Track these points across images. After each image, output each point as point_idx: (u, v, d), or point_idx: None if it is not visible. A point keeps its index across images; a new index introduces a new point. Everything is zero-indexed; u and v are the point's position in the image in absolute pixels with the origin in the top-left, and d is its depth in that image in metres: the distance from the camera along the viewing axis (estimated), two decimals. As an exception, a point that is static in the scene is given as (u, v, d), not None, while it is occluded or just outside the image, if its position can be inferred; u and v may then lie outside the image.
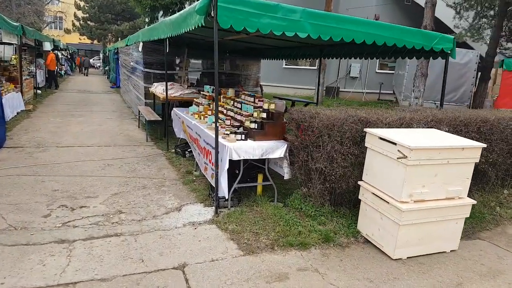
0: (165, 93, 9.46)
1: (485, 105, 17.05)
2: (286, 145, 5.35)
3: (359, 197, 4.70)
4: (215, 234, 4.61)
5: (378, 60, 22.67)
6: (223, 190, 5.12)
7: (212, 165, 5.53)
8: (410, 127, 5.04)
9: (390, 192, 4.23)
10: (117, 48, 22.37)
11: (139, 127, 11.46)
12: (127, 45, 14.09)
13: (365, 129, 4.60)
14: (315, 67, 23.20)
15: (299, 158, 5.03)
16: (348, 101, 20.64)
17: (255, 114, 5.74)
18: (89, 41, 49.66)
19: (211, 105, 7.34)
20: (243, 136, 5.43)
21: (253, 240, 4.46)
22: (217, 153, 5.05)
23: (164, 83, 10.70)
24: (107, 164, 7.44)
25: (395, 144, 4.11)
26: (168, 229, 4.72)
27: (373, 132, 4.43)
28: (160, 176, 6.81)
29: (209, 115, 6.80)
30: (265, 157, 5.28)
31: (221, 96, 7.54)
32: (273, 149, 5.30)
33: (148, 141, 9.63)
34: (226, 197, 5.18)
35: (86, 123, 11.79)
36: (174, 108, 8.36)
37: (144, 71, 11.85)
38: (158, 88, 10.44)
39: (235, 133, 5.41)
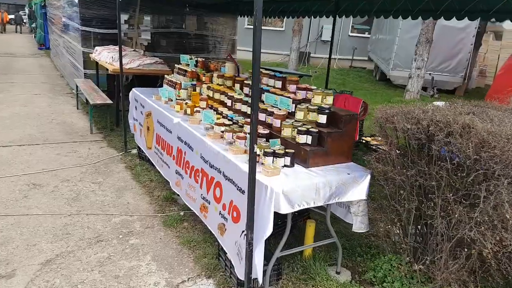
0: (116, 62, 6.54)
1: (472, 76, 15.69)
2: (367, 175, 2.96)
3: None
4: None
5: (351, 21, 20.51)
6: (256, 268, 2.68)
7: (227, 212, 3.03)
8: None
9: None
10: (44, 0, 18.11)
11: (78, 108, 8.40)
12: (55, -6, 10.54)
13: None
14: (283, 28, 20.56)
15: (404, 205, 2.67)
16: (321, 69, 18.44)
17: (299, 116, 3.24)
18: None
19: (201, 89, 4.67)
20: (288, 159, 2.95)
21: None
22: (251, 204, 2.54)
23: (111, 47, 7.72)
24: (32, 184, 4.61)
25: None
26: None
27: None
28: (123, 209, 4.16)
29: (202, 108, 4.16)
30: (334, 201, 2.87)
31: (206, 74, 4.90)
32: (347, 184, 2.89)
33: (94, 132, 6.74)
34: (260, 281, 2.74)
35: (4, 102, 8.48)
36: (133, 89, 5.55)
37: (81, 30, 8.64)
38: (103, 55, 7.42)
39: (274, 154, 2.91)
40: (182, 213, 4.04)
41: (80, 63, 9.03)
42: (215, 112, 4.00)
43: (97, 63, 7.87)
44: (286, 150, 2.97)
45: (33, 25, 27.42)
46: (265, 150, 2.91)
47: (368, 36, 20.62)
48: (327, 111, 3.07)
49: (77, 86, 8.13)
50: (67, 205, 4.19)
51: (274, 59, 19.50)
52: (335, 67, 19.90)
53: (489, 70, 17.98)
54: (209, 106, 4.19)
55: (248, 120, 3.40)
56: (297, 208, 2.63)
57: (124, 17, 9.71)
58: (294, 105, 3.39)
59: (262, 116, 3.55)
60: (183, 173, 3.88)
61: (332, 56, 21.29)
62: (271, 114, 3.44)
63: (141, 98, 5.15)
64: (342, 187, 2.83)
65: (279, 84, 3.81)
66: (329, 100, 3.28)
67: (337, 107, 3.32)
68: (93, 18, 8.79)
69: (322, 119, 3.08)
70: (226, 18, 10.16)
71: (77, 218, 3.94)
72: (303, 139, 3.02)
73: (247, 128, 3.37)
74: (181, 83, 4.89)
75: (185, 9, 10.04)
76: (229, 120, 3.76)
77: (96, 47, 8.09)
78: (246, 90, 4.06)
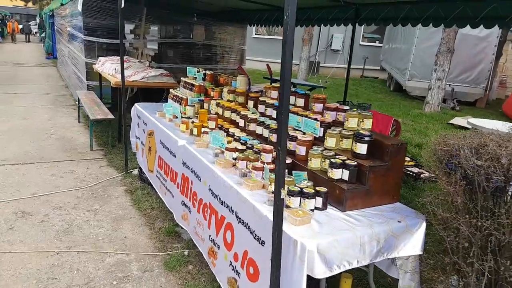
0: (119, 75, 6.04)
1: (493, 87, 14.99)
2: (422, 223, 2.36)
3: None
4: None
5: (362, 29, 19.98)
6: None
7: (239, 265, 2.45)
8: None
9: None
10: (53, 10, 17.89)
11: (79, 122, 7.92)
12: (62, 4, 10.17)
13: None
14: (293, 38, 20.04)
15: (473, 265, 2.06)
16: (332, 78, 17.91)
17: (330, 143, 2.66)
18: (23, 3, 42.74)
19: (210, 105, 4.12)
20: (320, 200, 2.36)
21: None
22: (277, 268, 1.94)
23: (115, 58, 7.24)
24: (21, 212, 4.08)
25: None
26: None
27: None
28: (119, 245, 3.60)
29: (211, 128, 3.59)
30: (382, 258, 2.26)
31: (214, 89, 4.37)
32: (399, 236, 2.29)
33: (95, 149, 6.22)
34: None
35: (4, 114, 8.04)
36: (136, 105, 5.02)
37: (85, 40, 8.21)
38: (106, 66, 6.95)
39: (302, 194, 2.32)
40: (186, 253, 3.46)
41: (83, 74, 8.58)
42: (225, 133, 3.45)
43: (100, 74, 7.39)
44: (317, 189, 2.38)
45: (43, 35, 27.35)
46: (291, 188, 2.33)
47: (380, 45, 20.03)
48: (367, 138, 2.49)
49: (78, 99, 7.65)
50: (57, 239, 3.64)
51: (277, 68, 18.97)
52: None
53: (508, 80, 17.26)
54: (219, 126, 3.63)
55: (267, 147, 2.82)
56: (336, 271, 2.04)
57: (130, 27, 9.29)
58: (322, 128, 2.82)
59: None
60: (190, 206, 3.31)
61: (343, 66, 20.88)
62: (293, 139, 2.86)
63: (144, 115, 4.62)
64: (392, 239, 2.23)
65: (301, 102, 3.24)
66: (367, 124, 2.69)
67: (378, 133, 2.73)
68: (98, 27, 8.38)
69: (362, 148, 2.49)
70: (235, 27, 9.66)
71: (66, 257, 3.38)
72: (337, 173, 2.44)
73: (265, 157, 2.79)
74: (187, 99, 4.34)
75: (193, 18, 9.60)
76: (242, 144, 3.19)
77: (100, 58, 7.62)
78: (261, 108, 3.50)
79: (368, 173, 2.42)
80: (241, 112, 3.49)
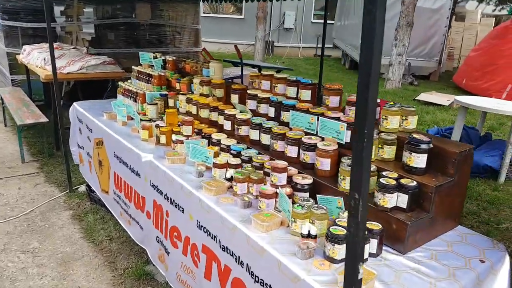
0: (48, 66, 4.86)
1: (443, 59, 15.10)
2: (505, 256, 1.70)
3: None
4: None
5: (313, 7, 19.46)
6: None
7: None
8: None
9: None
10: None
11: (6, 126, 6.55)
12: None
13: None
14: (242, 16, 19.06)
15: None
16: (288, 58, 17.31)
17: (383, 153, 1.91)
18: None
19: (178, 102, 3.21)
20: (375, 244, 1.61)
21: None
22: None
23: (43, 46, 5.97)
24: None
25: None
26: None
27: None
28: (71, 302, 2.65)
29: (186, 136, 2.69)
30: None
31: (181, 80, 3.50)
32: (483, 281, 1.61)
33: (27, 161, 5.03)
34: None
35: None
36: (75, 104, 3.95)
37: (3, 26, 6.80)
38: (33, 56, 5.69)
39: (330, 239, 1.56)
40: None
41: (5, 67, 7.14)
42: (207, 141, 2.58)
43: (27, 67, 6.08)
44: (368, 226, 1.63)
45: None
46: (333, 231, 1.56)
47: (332, 22, 19.62)
48: (426, 146, 1.75)
49: (1, 98, 6.29)
50: (-22, 301, 2.62)
51: (235, 50, 17.99)
52: (300, 56, 18.82)
53: (455, 52, 17.61)
54: (196, 131, 2.75)
55: (280, 164, 2.00)
56: None
57: (60, 8, 7.90)
58: (348, 132, 2.05)
59: (292, 150, 2.18)
60: (168, 245, 2.44)
61: (297, 45, 20.33)
62: (310, 148, 2.08)
63: (87, 118, 3.59)
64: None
65: (307, 95, 2.44)
66: (412, 122, 1.97)
67: (433, 135, 2.01)
68: (20, 9, 6.98)
69: (420, 160, 1.76)
70: (186, 4, 8.56)
71: (-7, 330, 2.40)
72: (391, 200, 1.70)
73: (277, 178, 1.97)
74: (144, 94, 3.39)
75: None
76: (234, 155, 2.36)
77: (24, 46, 6.28)
78: (252, 104, 2.66)
79: (434, 196, 1.70)
80: (226, 111, 2.63)
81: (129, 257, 3.09)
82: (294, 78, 2.52)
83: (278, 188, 1.93)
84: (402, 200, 1.71)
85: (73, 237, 3.38)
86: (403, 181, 1.73)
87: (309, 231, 1.65)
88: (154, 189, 2.52)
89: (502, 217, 3.87)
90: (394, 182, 1.71)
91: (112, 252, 3.17)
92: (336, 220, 1.67)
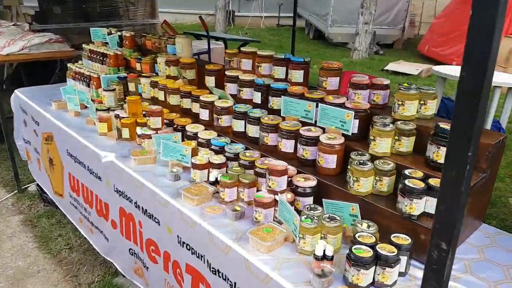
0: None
1: (406, 26, 15.07)
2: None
3: None
4: None
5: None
6: None
7: None
8: None
9: None
10: None
11: None
12: None
13: None
14: (199, -16, 18.01)
15: None
16: (250, 29, 16.68)
17: (383, 147, 1.58)
18: None
19: (140, 87, 2.74)
20: (404, 262, 1.31)
21: None
22: None
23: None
24: None
25: None
26: None
27: None
28: (27, 332, 2.23)
29: (154, 129, 2.25)
30: None
31: (142, 59, 3.03)
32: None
33: (-35, 156, 4.37)
34: None
35: None
36: (16, 92, 3.35)
37: None
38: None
39: (379, 261, 1.24)
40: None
41: None
42: (180, 134, 2.16)
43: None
44: (393, 240, 1.32)
45: None
46: (356, 252, 1.24)
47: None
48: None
49: None
50: None
51: (192, 21, 17.05)
52: (262, 26, 18.22)
53: (416, 19, 17.65)
54: (166, 122, 2.31)
55: (279, 164, 1.63)
56: None
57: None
58: (357, 121, 1.71)
59: (287, 144, 1.82)
60: (146, 260, 2.05)
61: (259, 14, 19.68)
62: (311, 142, 1.73)
63: (32, 108, 3.03)
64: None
65: (299, 75, 2.06)
66: (431, 107, 1.66)
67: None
68: None
69: (451, 156, 1.45)
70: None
71: None
72: (419, 206, 1.39)
73: (275, 183, 1.61)
74: (99, 77, 2.87)
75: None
76: (217, 153, 1.97)
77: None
78: (232, 88, 2.25)
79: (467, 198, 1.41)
80: (202, 98, 2.21)
81: (94, 268, 2.68)
82: (283, 56, 2.12)
83: (277, 194, 1.57)
84: (431, 204, 1.41)
85: (26, 248, 2.91)
86: (431, 181, 1.42)
87: (323, 251, 1.32)
88: (120, 195, 2.09)
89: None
90: (422, 184, 1.40)
91: (73, 263, 2.73)
92: (356, 236, 1.35)
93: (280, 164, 1.61)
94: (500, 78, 4.21)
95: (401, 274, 1.34)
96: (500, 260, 1.48)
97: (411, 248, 1.33)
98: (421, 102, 1.66)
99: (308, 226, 1.40)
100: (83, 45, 3.23)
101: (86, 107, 2.79)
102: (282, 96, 1.92)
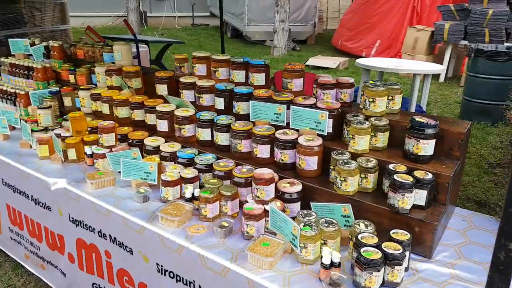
0: None
1: (316, 22, 15.81)
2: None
3: None
4: None
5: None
6: None
7: None
8: None
9: None
10: None
11: None
12: None
13: None
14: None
15: None
16: (165, 29, 16.20)
17: (362, 144, 1.60)
18: None
19: (80, 101, 2.46)
20: (404, 263, 1.33)
21: None
22: None
23: None
24: None
25: None
26: None
27: None
28: None
29: (108, 146, 2.03)
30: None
31: (77, 70, 2.77)
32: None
33: None
34: None
35: None
36: None
37: None
38: None
39: (389, 261, 1.25)
40: None
41: None
42: (138, 150, 1.98)
43: None
44: (393, 236, 1.34)
45: None
46: (366, 255, 1.23)
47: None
48: (433, 130, 1.52)
49: None
50: None
51: (102, 23, 16.04)
52: (177, 26, 17.80)
53: (324, 14, 18.64)
54: (118, 137, 2.11)
55: (265, 172, 1.55)
56: None
57: None
58: (330, 120, 1.72)
59: (263, 150, 1.77)
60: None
61: (172, 14, 19.18)
62: (288, 145, 1.69)
63: None
64: None
65: (260, 78, 2.01)
66: (398, 102, 1.72)
67: (435, 116, 1.77)
68: None
69: (429, 147, 1.52)
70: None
71: None
72: (410, 199, 1.43)
73: (264, 192, 1.54)
74: (27, 94, 2.53)
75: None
76: (185, 165, 1.84)
77: None
78: (189, 95, 2.12)
79: (450, 186, 1.49)
80: (158, 108, 2.04)
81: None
82: (241, 60, 2.05)
83: (269, 204, 1.51)
84: (420, 197, 1.46)
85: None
86: (417, 174, 1.47)
87: (330, 258, 1.29)
88: (78, 225, 1.86)
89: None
90: (411, 178, 1.44)
91: (19, 307, 2.38)
92: (359, 237, 1.35)
93: (267, 172, 1.55)
94: (419, 66, 4.59)
95: (405, 270, 1.37)
96: (484, 241, 1.57)
97: (411, 242, 1.36)
98: (389, 98, 1.71)
99: (309, 234, 1.36)
100: (1, 59, 2.81)
101: (14, 128, 2.43)
102: (250, 101, 1.85)
